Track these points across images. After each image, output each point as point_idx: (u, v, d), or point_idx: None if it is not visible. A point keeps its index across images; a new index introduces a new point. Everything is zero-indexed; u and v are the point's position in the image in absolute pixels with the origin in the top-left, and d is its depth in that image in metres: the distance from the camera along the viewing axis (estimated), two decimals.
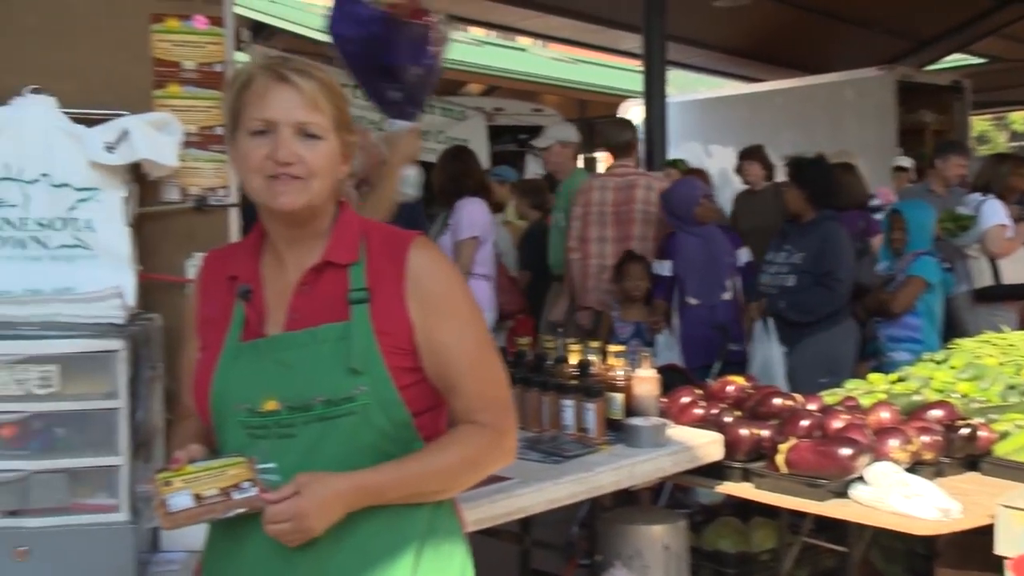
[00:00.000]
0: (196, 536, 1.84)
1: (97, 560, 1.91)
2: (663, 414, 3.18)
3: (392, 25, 3.16)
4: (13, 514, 1.91)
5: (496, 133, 9.20)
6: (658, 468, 2.92)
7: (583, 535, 4.14)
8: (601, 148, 6.15)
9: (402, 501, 1.70)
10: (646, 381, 3.11)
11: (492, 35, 15.87)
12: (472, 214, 5.05)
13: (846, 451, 2.83)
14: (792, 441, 2.96)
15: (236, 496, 1.58)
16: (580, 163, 6.93)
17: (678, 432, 3.11)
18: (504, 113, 9.36)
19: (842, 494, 2.86)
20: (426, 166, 6.50)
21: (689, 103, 10.43)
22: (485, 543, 1.91)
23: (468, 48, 13.99)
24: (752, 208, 6.97)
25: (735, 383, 3.57)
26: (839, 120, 9.09)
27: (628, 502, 3.52)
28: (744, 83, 11.37)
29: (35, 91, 2.20)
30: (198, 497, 1.58)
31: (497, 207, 6.82)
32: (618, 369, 3.17)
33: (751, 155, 7.19)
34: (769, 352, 4.95)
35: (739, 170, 7.31)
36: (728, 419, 3.18)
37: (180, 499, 1.58)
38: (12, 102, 2.20)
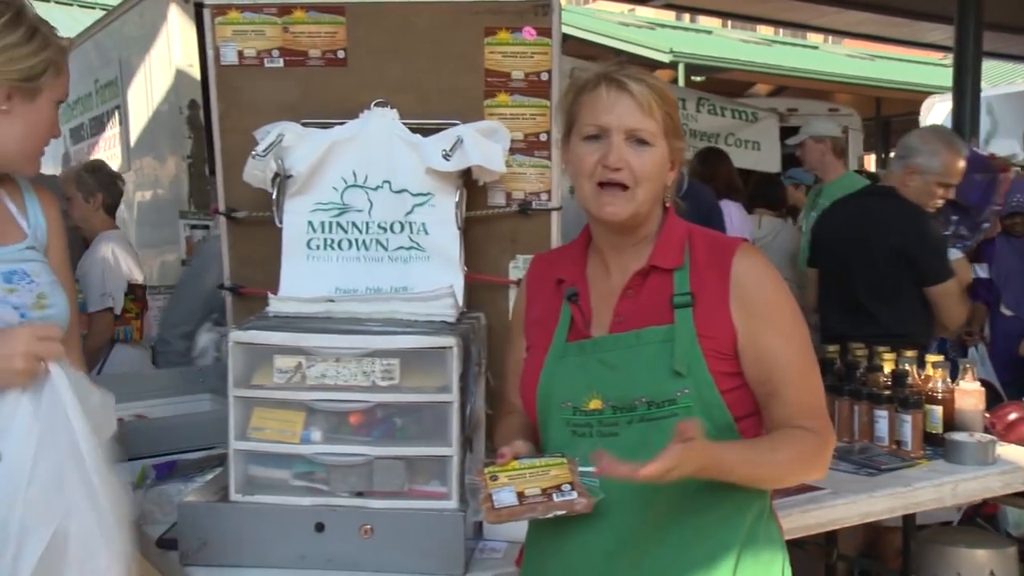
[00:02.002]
0: (517, 527, 1.91)
1: (430, 543, 2.01)
2: (986, 430, 2.98)
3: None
4: (360, 495, 2.06)
5: (790, 134, 8.92)
6: (985, 488, 2.74)
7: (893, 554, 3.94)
8: None
9: (739, 481, 1.68)
10: (970, 394, 2.94)
11: (780, 33, 15.46)
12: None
13: None
14: None
15: (557, 498, 1.62)
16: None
17: (1006, 450, 2.91)
18: (798, 114, 9.03)
19: None
20: None
21: (1004, 96, 9.61)
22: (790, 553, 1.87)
23: (757, 48, 13.71)
24: None
25: None
26: None
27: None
28: None
29: (379, 104, 2.38)
30: (521, 495, 1.63)
31: (792, 210, 6.64)
32: (937, 380, 3.01)
33: None
34: None
35: None
36: None
37: (504, 495, 1.64)
38: (361, 115, 2.38)
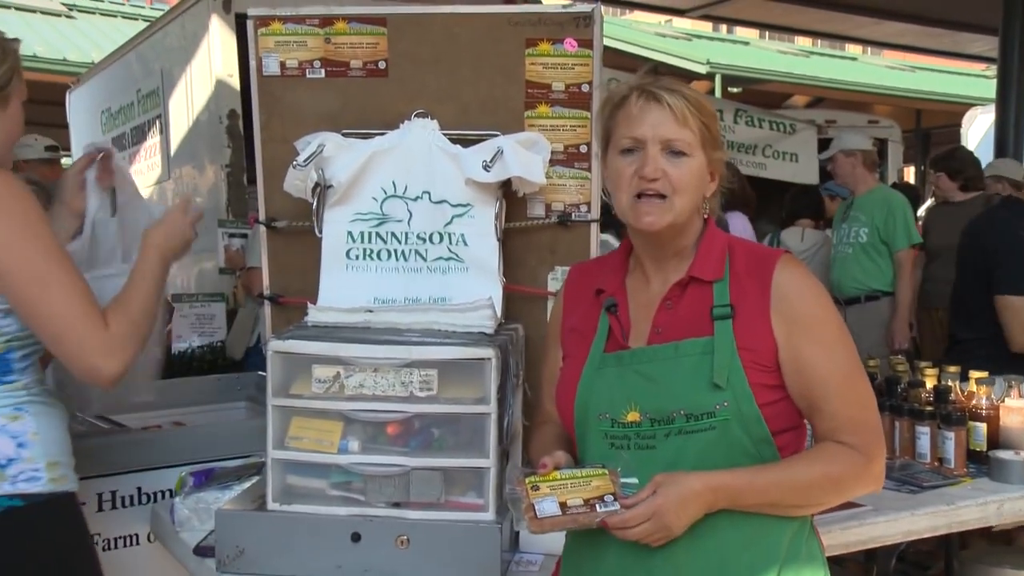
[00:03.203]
0: (554, 540, 1.90)
1: (467, 554, 2.01)
2: None
3: None
4: (396, 505, 2.06)
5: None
6: None
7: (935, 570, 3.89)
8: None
9: (758, 510, 1.67)
10: (1015, 411, 2.88)
11: (818, 44, 15.36)
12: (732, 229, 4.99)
13: None
14: None
15: (599, 508, 1.62)
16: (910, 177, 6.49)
17: None
18: (836, 126, 8.97)
19: None
20: (751, 181, 6.42)
21: None
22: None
23: (794, 59, 13.64)
24: (946, 223, 5.80)
25: None
26: None
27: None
28: None
29: (419, 115, 2.38)
30: (563, 505, 1.63)
31: (830, 223, 6.58)
32: (981, 396, 2.96)
33: (936, 165, 6.25)
34: None
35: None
36: None
37: (547, 505, 1.63)
38: (401, 126, 2.38)
